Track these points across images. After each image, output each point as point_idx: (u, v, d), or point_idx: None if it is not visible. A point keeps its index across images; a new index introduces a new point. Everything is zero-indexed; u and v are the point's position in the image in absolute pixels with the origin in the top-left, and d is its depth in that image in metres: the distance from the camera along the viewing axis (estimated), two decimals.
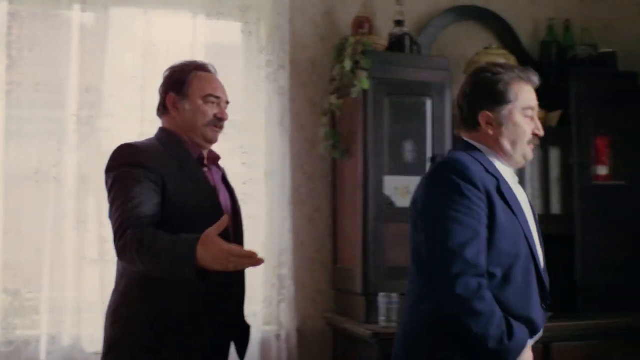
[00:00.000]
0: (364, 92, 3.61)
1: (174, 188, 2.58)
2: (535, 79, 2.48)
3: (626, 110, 4.10)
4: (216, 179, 2.78)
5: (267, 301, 3.76)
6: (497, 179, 2.36)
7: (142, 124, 3.64)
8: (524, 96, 2.43)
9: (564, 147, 3.95)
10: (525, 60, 4.25)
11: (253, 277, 3.72)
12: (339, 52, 3.81)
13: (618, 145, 4.10)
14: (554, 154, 3.95)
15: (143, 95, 3.66)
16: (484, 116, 2.41)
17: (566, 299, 3.90)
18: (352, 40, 3.74)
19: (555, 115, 4.03)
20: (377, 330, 3.42)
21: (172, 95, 2.74)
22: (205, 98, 2.74)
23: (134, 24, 3.74)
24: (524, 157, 2.46)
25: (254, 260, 2.26)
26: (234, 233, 2.72)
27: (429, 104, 3.72)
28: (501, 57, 3.95)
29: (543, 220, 3.77)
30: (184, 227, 2.45)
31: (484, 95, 2.43)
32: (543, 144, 3.88)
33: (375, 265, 3.59)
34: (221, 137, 2.77)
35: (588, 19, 4.54)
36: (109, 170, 2.61)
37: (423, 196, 2.37)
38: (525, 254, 2.37)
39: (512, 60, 4.01)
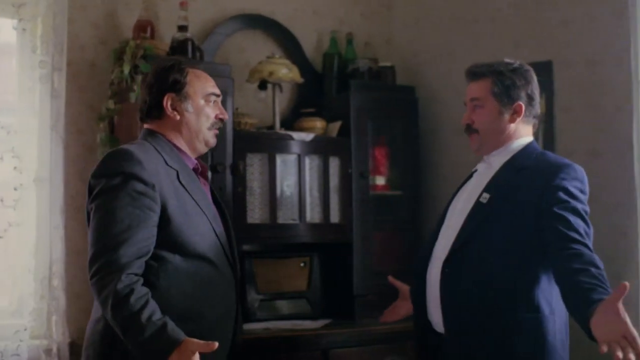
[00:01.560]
0: None
1: (174, 207, 2.40)
2: None
3: (403, 123, 4.26)
4: (207, 194, 2.61)
5: (35, 314, 3.54)
6: None
7: None
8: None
9: (344, 157, 4.01)
10: (308, 70, 4.32)
11: (22, 289, 3.56)
12: (119, 56, 3.70)
13: (395, 156, 4.25)
14: (334, 164, 3.99)
15: None
16: None
17: (345, 305, 3.99)
18: (132, 43, 3.64)
19: (335, 126, 4.10)
20: None
21: (171, 95, 2.53)
22: (207, 97, 2.59)
23: None
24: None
25: None
26: (230, 252, 2.59)
27: None
28: (283, 66, 3.99)
29: (322, 228, 3.90)
30: (183, 251, 2.39)
31: None
32: (323, 153, 3.95)
33: None
34: None
35: (370, 33, 4.68)
36: (99, 175, 2.38)
37: None
38: None
39: (295, 70, 4.05)
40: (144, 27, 3.84)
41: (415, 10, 4.66)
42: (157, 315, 2.24)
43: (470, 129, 2.79)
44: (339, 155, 4.01)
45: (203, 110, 2.57)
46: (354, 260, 3.98)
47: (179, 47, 3.78)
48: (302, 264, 4.06)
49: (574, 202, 2.52)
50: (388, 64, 4.43)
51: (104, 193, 2.34)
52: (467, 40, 4.27)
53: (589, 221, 2.53)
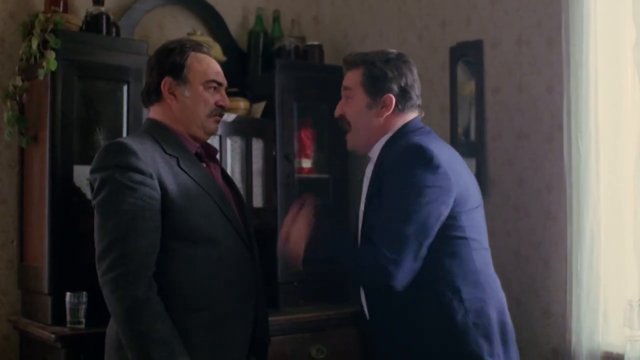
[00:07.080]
0: (53, 74, 3.30)
1: (175, 193, 2.38)
2: None
3: (330, 104, 4.10)
4: (217, 177, 2.55)
5: None
6: None
7: None
8: None
9: (268, 139, 3.88)
10: (231, 48, 4.19)
11: None
12: (28, 30, 3.48)
13: (322, 138, 4.14)
14: (257, 146, 3.85)
15: None
16: None
17: (269, 293, 3.85)
18: (42, 17, 3.42)
19: (259, 107, 3.96)
20: (62, 333, 3.14)
21: (168, 79, 2.50)
22: (207, 84, 2.54)
23: None
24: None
25: None
26: (246, 233, 2.58)
27: (125, 89, 3.49)
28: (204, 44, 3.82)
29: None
30: (189, 237, 2.38)
31: None
32: (246, 134, 3.80)
33: (64, 263, 3.29)
34: None
35: (298, 11, 4.55)
36: (96, 170, 2.39)
37: None
38: None
39: (217, 48, 3.89)
40: (57, 1, 3.61)
41: None
42: (167, 330, 2.27)
43: (343, 122, 2.70)
44: (263, 136, 3.87)
45: (201, 96, 2.53)
46: (279, 247, 3.84)
47: (92, 22, 3.58)
48: None
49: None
50: (315, 42, 4.30)
51: (102, 188, 2.34)
52: (395, 19, 4.16)
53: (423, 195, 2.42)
